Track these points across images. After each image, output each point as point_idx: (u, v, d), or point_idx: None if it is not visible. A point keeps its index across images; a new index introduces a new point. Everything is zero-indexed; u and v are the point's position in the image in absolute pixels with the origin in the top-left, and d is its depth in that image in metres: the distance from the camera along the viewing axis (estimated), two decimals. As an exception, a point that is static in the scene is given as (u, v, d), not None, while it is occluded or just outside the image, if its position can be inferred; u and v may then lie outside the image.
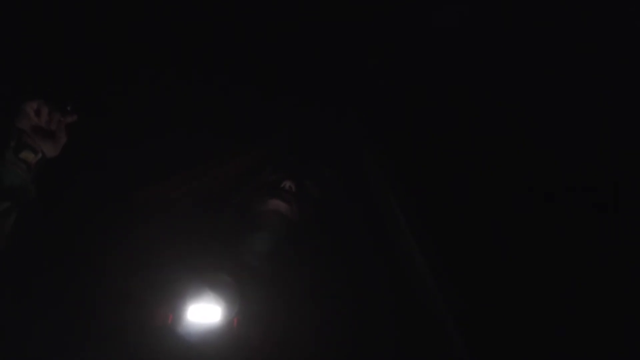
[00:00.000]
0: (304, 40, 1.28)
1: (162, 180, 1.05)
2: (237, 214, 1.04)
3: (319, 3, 1.26)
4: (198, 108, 1.19)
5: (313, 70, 1.29)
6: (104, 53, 1.17)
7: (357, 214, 1.12)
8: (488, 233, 0.97)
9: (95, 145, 0.89)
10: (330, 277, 0.96)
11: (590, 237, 0.90)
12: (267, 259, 0.97)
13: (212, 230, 1.00)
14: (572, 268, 0.89)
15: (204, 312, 0.83)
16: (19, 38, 1.12)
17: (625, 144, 0.97)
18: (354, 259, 1.03)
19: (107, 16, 1.17)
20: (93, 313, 0.80)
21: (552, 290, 0.87)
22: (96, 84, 1.09)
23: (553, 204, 0.98)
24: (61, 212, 0.92)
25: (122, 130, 1.07)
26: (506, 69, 1.12)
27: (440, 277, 0.93)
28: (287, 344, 0.85)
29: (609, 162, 0.97)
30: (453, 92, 1.17)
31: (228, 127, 1.17)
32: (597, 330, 0.81)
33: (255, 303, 0.87)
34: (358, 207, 1.14)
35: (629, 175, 0.92)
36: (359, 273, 1.01)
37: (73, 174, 0.94)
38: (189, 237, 0.96)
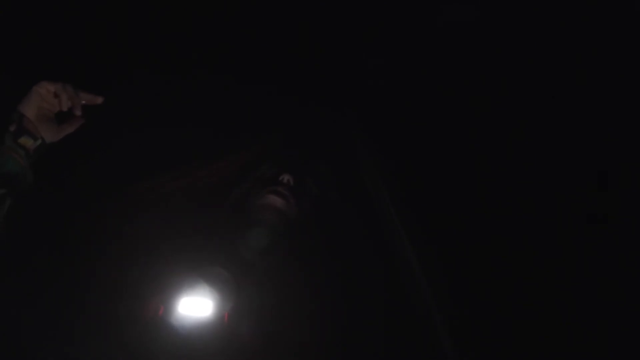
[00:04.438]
0: (303, 38, 1.28)
1: (159, 173, 1.05)
2: (234, 208, 1.04)
3: (319, 2, 1.26)
4: (197, 104, 1.19)
5: (312, 67, 1.29)
6: (103, 48, 1.17)
7: (352, 211, 1.12)
8: (483, 231, 0.97)
9: (93, 137, 0.89)
10: (323, 274, 0.96)
11: (584, 239, 0.90)
12: (263, 254, 0.97)
13: (208, 224, 1.00)
14: (565, 269, 0.89)
15: (195, 306, 0.83)
16: (21, 29, 1.12)
17: (624, 146, 0.97)
18: (348, 257, 1.03)
19: (105, 12, 1.18)
20: (86, 303, 0.80)
21: (546, 292, 0.87)
22: (95, 77, 1.09)
23: (550, 205, 0.98)
24: (57, 201, 0.92)
25: (121, 123, 1.07)
26: (503, 69, 1.12)
27: (433, 276, 0.93)
28: (277, 339, 0.85)
29: (607, 164, 0.97)
30: (449, 91, 1.17)
31: (227, 122, 1.17)
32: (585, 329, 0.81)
33: (247, 298, 0.87)
34: (353, 204, 1.14)
35: (622, 175, 0.92)
36: (353, 270, 1.01)
37: (70, 164, 0.94)
38: (184, 231, 0.96)
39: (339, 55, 1.30)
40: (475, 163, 1.07)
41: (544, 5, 1.09)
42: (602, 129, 0.99)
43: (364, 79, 1.30)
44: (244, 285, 0.89)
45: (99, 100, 0.81)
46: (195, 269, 0.87)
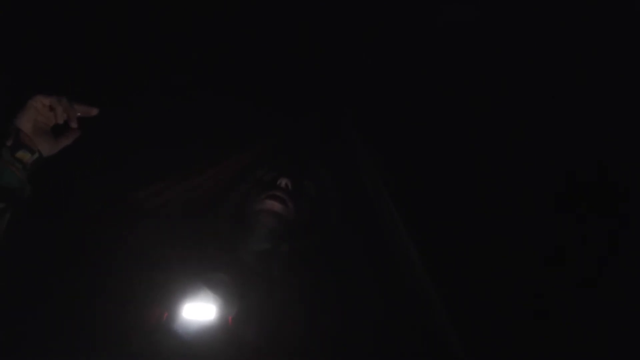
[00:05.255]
0: (302, 39, 1.28)
1: (159, 180, 1.05)
2: (233, 213, 1.04)
3: (319, 2, 1.26)
4: (194, 108, 1.19)
5: (311, 68, 1.29)
6: (101, 52, 1.17)
7: (352, 212, 1.12)
8: (483, 231, 0.97)
9: (94, 145, 0.89)
10: (324, 275, 0.96)
11: (584, 238, 0.90)
12: (263, 257, 0.97)
13: (209, 229, 1.00)
14: (565, 269, 0.89)
15: (199, 310, 0.83)
16: (19, 36, 1.12)
17: (624, 145, 0.97)
18: (348, 258, 1.03)
19: (105, 15, 1.18)
20: (89, 310, 0.80)
21: (547, 292, 0.88)
22: (93, 82, 1.09)
23: (550, 204, 0.98)
24: (57, 211, 0.92)
25: (120, 131, 1.07)
26: (503, 69, 1.12)
27: (434, 276, 0.93)
28: (280, 341, 0.85)
29: (607, 163, 0.97)
30: (449, 91, 1.17)
31: (225, 127, 1.17)
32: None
33: (249, 301, 0.87)
34: (353, 204, 1.14)
35: (622, 174, 0.92)
36: (354, 271, 1.01)
37: (70, 174, 0.94)
38: (185, 237, 0.96)
39: (338, 56, 1.30)
40: (475, 163, 1.07)
41: (544, 5, 1.09)
42: (602, 129, 0.99)
43: (364, 79, 1.30)
44: (246, 288, 0.89)
45: (94, 112, 0.81)
46: (197, 274, 0.87)
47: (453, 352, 0.85)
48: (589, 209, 0.94)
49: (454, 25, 1.19)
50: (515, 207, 1.00)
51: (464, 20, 1.18)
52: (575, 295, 0.86)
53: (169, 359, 0.78)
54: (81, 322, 0.79)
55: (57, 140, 0.79)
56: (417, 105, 1.20)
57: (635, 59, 0.98)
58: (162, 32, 1.23)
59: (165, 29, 1.24)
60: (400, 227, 1.02)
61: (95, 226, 0.94)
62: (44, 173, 0.78)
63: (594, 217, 0.93)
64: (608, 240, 0.90)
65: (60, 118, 0.77)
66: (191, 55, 1.26)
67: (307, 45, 1.28)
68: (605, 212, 0.93)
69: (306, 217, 1.04)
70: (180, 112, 1.16)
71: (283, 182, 1.01)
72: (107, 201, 0.98)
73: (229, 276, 0.89)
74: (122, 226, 0.96)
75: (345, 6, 1.26)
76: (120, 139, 1.07)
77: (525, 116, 1.06)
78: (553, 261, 0.92)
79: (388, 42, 1.28)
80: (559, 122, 1.04)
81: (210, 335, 0.82)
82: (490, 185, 1.03)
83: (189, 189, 1.07)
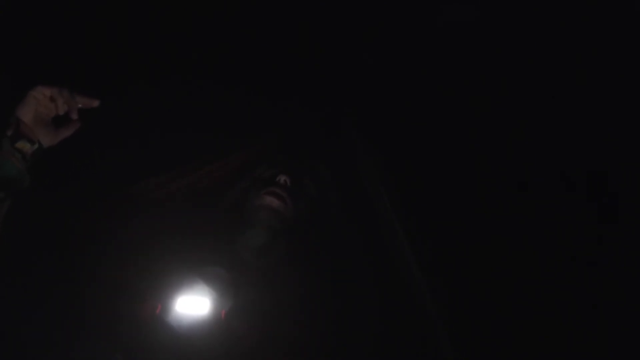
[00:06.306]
0: (303, 39, 1.28)
1: (157, 174, 1.05)
2: (231, 209, 1.04)
3: (319, 2, 1.26)
4: (195, 105, 1.19)
5: (311, 68, 1.29)
6: (102, 49, 1.17)
7: (351, 211, 1.12)
8: (482, 231, 0.97)
9: (94, 137, 0.89)
10: (320, 274, 0.97)
11: (584, 239, 0.90)
12: (260, 253, 0.97)
13: (206, 224, 1.00)
14: (564, 269, 0.89)
15: (193, 304, 0.83)
16: (21, 30, 1.12)
17: (624, 145, 0.97)
18: (346, 257, 1.03)
19: (106, 13, 1.18)
20: (84, 302, 0.80)
21: (546, 292, 0.88)
22: (93, 79, 1.09)
23: (550, 204, 0.98)
24: (55, 202, 0.92)
25: (120, 125, 1.07)
26: (503, 69, 1.12)
27: (432, 277, 0.93)
28: (273, 337, 0.85)
29: (607, 164, 0.97)
30: (449, 91, 1.17)
31: (225, 123, 1.17)
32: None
33: (244, 297, 0.87)
34: (352, 204, 1.14)
35: (622, 175, 0.92)
36: (351, 271, 1.01)
37: (69, 165, 0.94)
38: (182, 231, 0.96)
39: (339, 56, 1.30)
40: (475, 163, 1.07)
41: (544, 5, 1.09)
42: (602, 129, 0.99)
43: (364, 79, 1.30)
44: (241, 284, 0.89)
45: (95, 103, 0.81)
46: (192, 268, 0.87)
47: (451, 352, 0.85)
48: (588, 208, 0.94)
49: (454, 25, 1.19)
50: (515, 207, 1.00)
51: (464, 20, 1.18)
52: (575, 296, 0.86)
53: (160, 352, 0.78)
54: (74, 312, 0.79)
55: (57, 131, 0.79)
56: (417, 105, 1.20)
57: (635, 59, 0.98)
58: (162, 32, 1.23)
59: (165, 29, 1.24)
60: (399, 227, 1.02)
61: (93, 218, 0.94)
62: (43, 164, 0.78)
63: (593, 217, 0.93)
64: (608, 241, 0.90)
65: (61, 109, 0.77)
66: (191, 55, 1.26)
67: (307, 45, 1.28)
68: (605, 212, 0.93)
69: (305, 215, 1.04)
70: (181, 110, 1.16)
71: (282, 179, 1.01)
72: (106, 194, 0.99)
73: (224, 270, 0.89)
74: (119, 218, 0.96)
75: (345, 6, 1.26)
76: (121, 133, 1.07)
77: (525, 116, 1.06)
78: (553, 262, 0.92)
79: (388, 42, 1.28)
80: (558, 122, 1.03)
81: (203, 329, 0.82)
82: (490, 185, 1.02)
83: (188, 184, 1.08)
